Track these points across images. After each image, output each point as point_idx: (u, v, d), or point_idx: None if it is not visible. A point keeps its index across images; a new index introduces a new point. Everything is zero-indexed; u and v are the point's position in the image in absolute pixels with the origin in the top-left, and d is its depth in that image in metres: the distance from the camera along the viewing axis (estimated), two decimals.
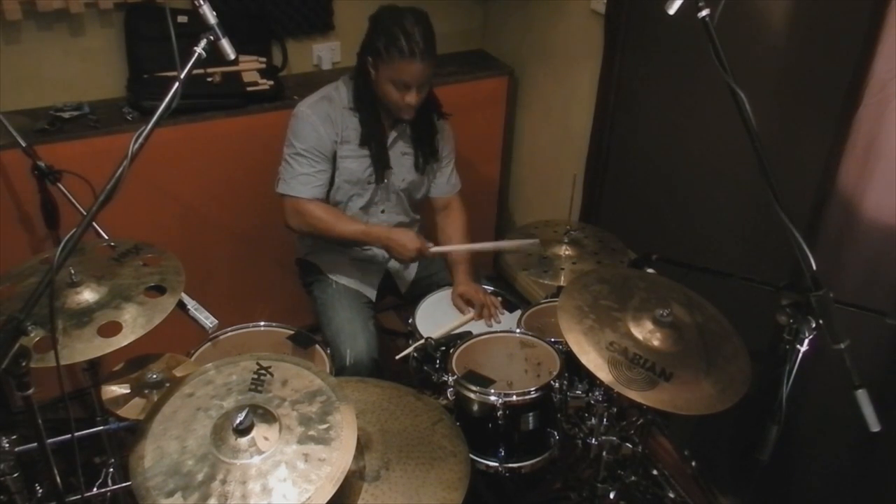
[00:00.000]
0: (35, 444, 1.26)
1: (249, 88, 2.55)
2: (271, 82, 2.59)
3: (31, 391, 1.19)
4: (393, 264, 2.37)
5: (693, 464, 2.32)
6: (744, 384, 1.60)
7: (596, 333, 1.63)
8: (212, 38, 1.31)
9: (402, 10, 2.03)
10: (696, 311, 1.74)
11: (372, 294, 2.35)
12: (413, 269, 2.43)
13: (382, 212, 2.30)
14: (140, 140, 1.24)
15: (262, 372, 1.45)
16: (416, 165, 2.26)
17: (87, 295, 1.56)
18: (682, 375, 1.58)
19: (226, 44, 1.33)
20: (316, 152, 2.11)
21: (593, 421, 1.91)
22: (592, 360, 1.57)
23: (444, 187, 2.37)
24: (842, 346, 1.32)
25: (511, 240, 2.26)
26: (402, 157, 2.24)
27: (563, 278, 2.09)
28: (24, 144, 2.02)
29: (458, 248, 2.27)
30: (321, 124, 2.10)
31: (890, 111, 1.65)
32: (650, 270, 1.89)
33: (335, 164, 2.16)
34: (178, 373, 1.67)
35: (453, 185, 2.40)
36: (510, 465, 1.82)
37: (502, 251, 2.20)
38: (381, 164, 2.18)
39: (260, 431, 1.32)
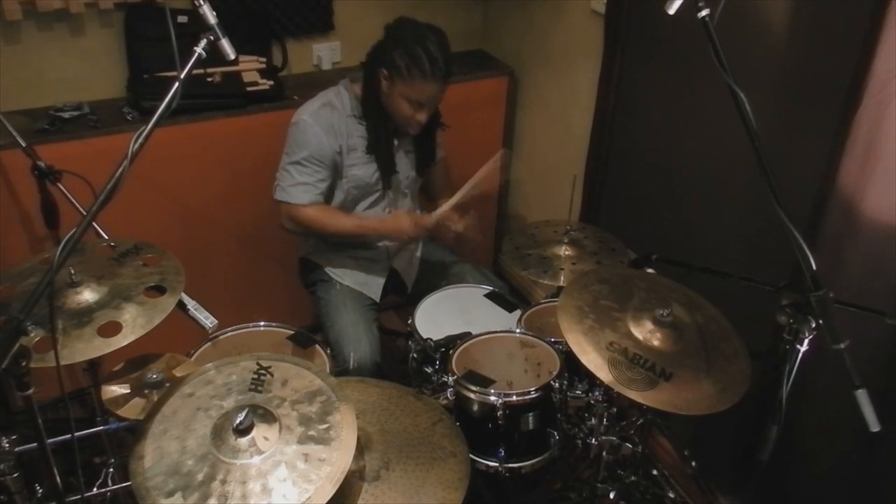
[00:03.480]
0: (35, 444, 1.26)
1: (249, 88, 2.55)
2: (271, 82, 2.58)
3: (31, 391, 1.19)
4: (397, 262, 2.37)
5: (693, 464, 2.32)
6: (744, 384, 1.60)
7: (596, 333, 1.63)
8: (212, 38, 1.31)
9: (423, 29, 2.01)
10: (696, 311, 1.74)
11: (376, 295, 2.35)
12: (416, 265, 2.43)
13: (388, 211, 2.30)
14: (140, 140, 1.24)
15: (262, 372, 1.45)
16: (417, 167, 2.28)
17: (87, 295, 1.57)
18: (681, 375, 1.58)
19: (226, 44, 1.33)
20: (317, 162, 2.11)
21: (593, 421, 1.91)
22: (592, 360, 1.57)
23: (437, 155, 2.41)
24: (842, 346, 1.32)
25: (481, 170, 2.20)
26: (406, 155, 2.25)
27: (563, 278, 2.09)
28: (24, 144, 2.02)
29: (448, 204, 2.23)
30: (324, 134, 2.09)
31: (890, 111, 1.65)
32: (650, 270, 1.89)
33: (341, 172, 2.16)
34: (178, 373, 1.67)
35: (440, 150, 2.42)
36: (510, 465, 1.82)
37: (480, 181, 2.19)
38: (387, 171, 2.18)
39: (260, 431, 1.32)
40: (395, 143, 2.21)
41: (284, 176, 2.14)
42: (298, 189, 2.12)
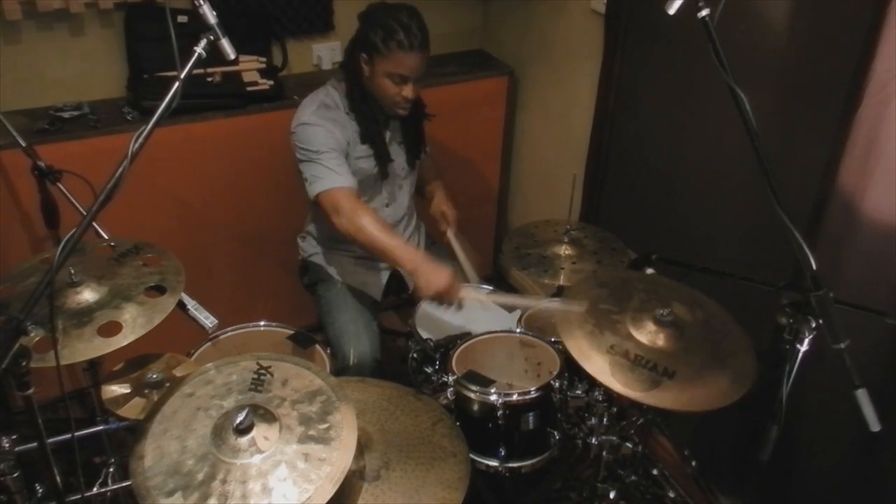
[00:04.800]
0: (35, 444, 1.26)
1: (249, 88, 2.55)
2: (271, 82, 2.58)
3: (31, 391, 1.19)
4: None
5: (693, 464, 2.32)
6: (749, 378, 1.60)
7: (596, 338, 1.62)
8: (212, 37, 1.31)
9: (393, 6, 2.03)
10: (698, 308, 1.73)
11: (377, 294, 2.34)
12: None
13: (387, 205, 2.30)
14: (140, 140, 1.24)
15: (262, 372, 1.45)
16: (409, 161, 2.28)
17: (87, 295, 1.57)
18: (685, 373, 1.57)
19: (226, 44, 1.33)
20: (336, 152, 2.04)
21: (593, 421, 1.91)
22: (595, 364, 1.57)
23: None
24: (842, 346, 1.32)
25: (553, 300, 1.95)
26: (399, 147, 2.26)
27: (563, 278, 2.09)
28: (24, 144, 2.02)
29: (495, 299, 2.09)
30: (333, 126, 2.08)
31: (890, 111, 1.65)
32: (650, 271, 1.89)
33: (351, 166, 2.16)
34: (178, 373, 1.67)
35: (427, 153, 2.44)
36: (510, 464, 1.82)
37: (543, 309, 2.04)
38: (383, 159, 2.18)
39: (260, 431, 1.32)
40: (388, 135, 2.21)
41: (314, 168, 2.01)
42: (333, 176, 2.01)
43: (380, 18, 2.01)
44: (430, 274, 1.85)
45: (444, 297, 1.85)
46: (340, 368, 2.06)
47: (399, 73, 2.01)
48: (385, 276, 2.36)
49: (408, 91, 2.04)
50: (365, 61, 2.06)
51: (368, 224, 1.94)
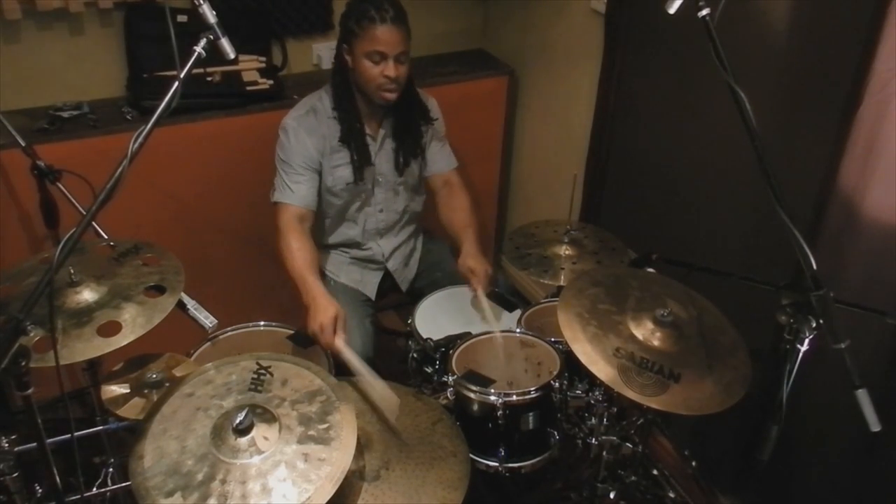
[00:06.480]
0: (35, 444, 1.26)
1: (249, 88, 2.55)
2: (271, 82, 2.58)
3: (30, 391, 1.19)
4: (392, 263, 2.37)
5: (693, 464, 2.32)
6: (747, 375, 1.60)
7: (601, 341, 1.62)
8: (211, 37, 1.32)
9: None
10: (691, 304, 1.74)
11: (371, 293, 2.35)
12: (413, 266, 2.43)
13: (381, 211, 2.29)
14: (140, 139, 1.24)
15: (262, 372, 1.45)
16: (396, 165, 2.24)
17: (87, 295, 1.57)
18: (689, 375, 1.57)
19: (225, 43, 1.33)
20: (303, 164, 2.10)
21: (593, 421, 1.91)
22: (602, 369, 1.57)
23: (443, 162, 2.35)
24: (842, 345, 1.32)
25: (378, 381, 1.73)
26: (392, 148, 2.23)
27: (563, 278, 2.09)
28: (23, 144, 2.02)
29: (352, 361, 1.82)
30: (308, 137, 2.10)
31: (891, 110, 1.65)
32: (650, 270, 1.89)
33: (330, 176, 2.16)
34: (177, 372, 1.67)
35: (451, 160, 2.38)
36: (510, 464, 1.82)
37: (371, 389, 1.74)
38: (361, 162, 2.16)
39: (260, 431, 1.31)
40: (381, 133, 2.19)
41: (278, 176, 2.14)
42: (286, 191, 2.11)
43: (354, 6, 2.03)
44: (315, 311, 1.91)
45: (318, 336, 1.89)
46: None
47: (376, 50, 2.00)
48: (379, 275, 2.37)
49: (389, 69, 2.02)
50: (347, 52, 2.06)
51: (293, 250, 2.05)
